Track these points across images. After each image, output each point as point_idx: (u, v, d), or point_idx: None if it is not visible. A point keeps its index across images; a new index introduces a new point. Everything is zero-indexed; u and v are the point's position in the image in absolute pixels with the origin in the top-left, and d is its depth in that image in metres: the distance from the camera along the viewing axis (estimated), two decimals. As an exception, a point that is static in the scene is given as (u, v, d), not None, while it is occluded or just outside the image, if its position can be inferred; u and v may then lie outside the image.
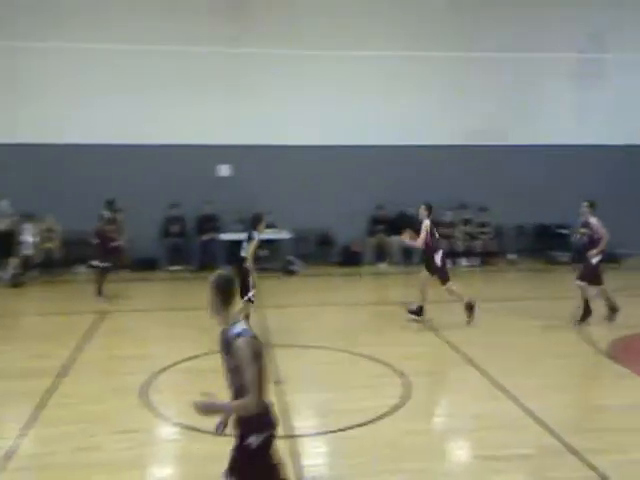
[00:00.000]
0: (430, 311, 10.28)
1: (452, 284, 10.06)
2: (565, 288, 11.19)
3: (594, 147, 15.38)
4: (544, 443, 6.04)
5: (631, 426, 6.41)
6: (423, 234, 9.99)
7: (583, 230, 10.05)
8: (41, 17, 13.78)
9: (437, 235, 10.22)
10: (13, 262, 13.11)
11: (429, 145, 15.06)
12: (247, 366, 3.66)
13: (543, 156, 15.49)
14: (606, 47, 15.39)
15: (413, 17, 15.06)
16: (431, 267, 10.07)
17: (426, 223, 10.03)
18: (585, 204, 9.94)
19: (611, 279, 10.45)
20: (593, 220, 9.86)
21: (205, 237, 14.54)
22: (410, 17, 15.03)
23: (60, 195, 13.71)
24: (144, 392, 7.16)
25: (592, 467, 5.52)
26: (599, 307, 10.14)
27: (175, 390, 7.34)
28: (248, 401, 3.66)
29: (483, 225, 15.57)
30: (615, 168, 15.42)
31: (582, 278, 9.98)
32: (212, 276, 3.89)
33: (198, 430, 5.86)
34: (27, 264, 13.52)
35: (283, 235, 14.69)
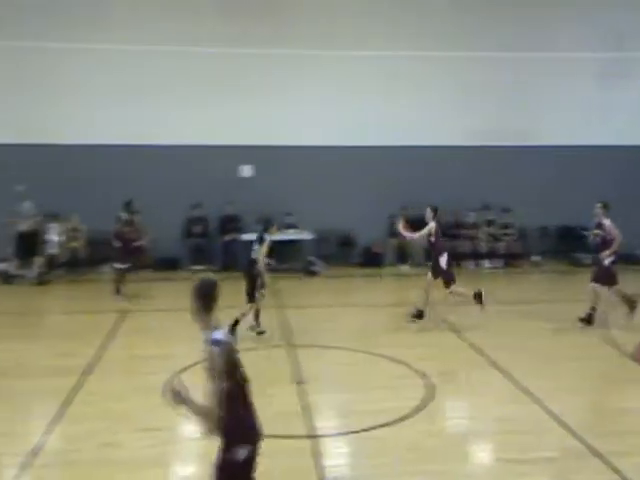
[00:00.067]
0: (452, 313, 10.23)
1: (456, 286, 10.04)
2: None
3: (618, 148, 15.20)
4: (567, 446, 5.99)
5: (656, 430, 6.33)
6: (424, 232, 10.04)
7: (597, 231, 9.97)
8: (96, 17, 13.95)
9: (442, 238, 10.27)
10: (38, 261, 13.33)
11: (452, 146, 14.99)
12: (214, 377, 3.66)
13: (567, 157, 15.32)
14: (629, 46, 15.18)
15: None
16: (436, 270, 10.07)
17: (432, 225, 10.04)
18: (598, 205, 9.86)
19: (631, 281, 10.35)
20: (606, 221, 9.77)
21: (227, 237, 14.62)
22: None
23: (85, 195, 13.86)
24: (166, 391, 7.21)
25: (616, 470, 5.46)
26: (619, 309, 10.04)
27: (196, 389, 7.38)
28: (208, 410, 3.65)
29: (506, 226, 15.45)
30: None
31: (596, 280, 9.89)
32: (195, 281, 3.89)
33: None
34: (53, 263, 13.75)
35: (304, 236, 14.73)
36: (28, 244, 13.30)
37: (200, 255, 14.75)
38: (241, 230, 14.68)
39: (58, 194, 13.59)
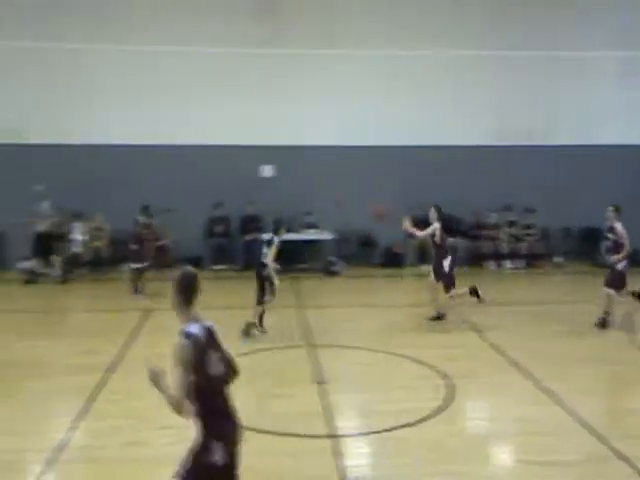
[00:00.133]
0: (473, 314, 10.18)
1: (455, 291, 10.02)
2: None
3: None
4: (590, 448, 5.93)
5: (681, 433, 6.25)
6: (428, 232, 10.02)
7: (610, 235, 9.88)
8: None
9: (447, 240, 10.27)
10: (57, 260, 13.51)
11: (474, 146, 14.93)
12: (176, 367, 3.66)
13: (590, 157, 15.15)
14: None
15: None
16: (438, 272, 10.02)
17: (435, 226, 9.99)
18: (610, 208, 9.76)
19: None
20: (618, 225, 9.67)
21: (248, 237, 14.68)
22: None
23: (109, 195, 14.03)
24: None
25: (641, 474, 5.41)
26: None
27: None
28: (177, 400, 3.67)
29: (529, 227, 15.35)
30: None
31: (609, 284, 9.76)
32: (176, 273, 3.87)
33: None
34: (76, 262, 13.93)
35: (325, 236, 14.75)
36: (45, 244, 13.50)
37: (222, 255, 14.86)
38: (262, 230, 14.72)
39: (82, 194, 13.77)
